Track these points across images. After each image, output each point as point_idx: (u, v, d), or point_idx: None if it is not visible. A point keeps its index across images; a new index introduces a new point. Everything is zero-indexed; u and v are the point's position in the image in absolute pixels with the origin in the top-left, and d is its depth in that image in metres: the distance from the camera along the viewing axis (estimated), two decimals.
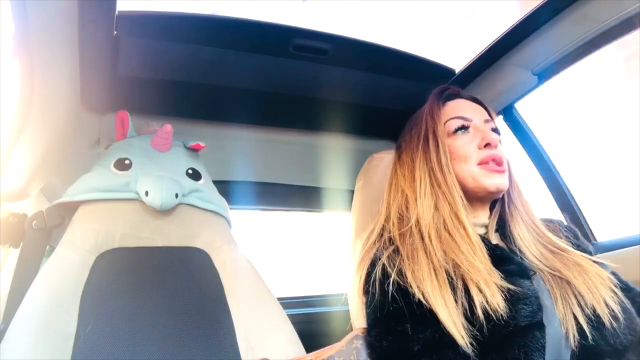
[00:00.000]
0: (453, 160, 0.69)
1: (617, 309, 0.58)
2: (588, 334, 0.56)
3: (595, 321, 0.57)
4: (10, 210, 0.80)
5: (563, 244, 0.69)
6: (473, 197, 0.69)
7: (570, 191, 1.06)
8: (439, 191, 0.67)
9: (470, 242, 0.62)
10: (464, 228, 0.64)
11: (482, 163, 0.67)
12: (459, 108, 0.74)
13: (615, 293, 0.60)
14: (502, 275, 0.58)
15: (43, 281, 0.66)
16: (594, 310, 0.58)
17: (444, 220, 0.65)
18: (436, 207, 0.66)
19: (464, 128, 0.71)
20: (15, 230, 0.77)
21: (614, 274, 0.66)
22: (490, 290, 0.55)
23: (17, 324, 0.60)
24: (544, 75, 0.97)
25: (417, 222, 0.66)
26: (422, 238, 0.64)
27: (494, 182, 0.66)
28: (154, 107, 0.99)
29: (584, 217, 1.05)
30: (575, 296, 0.59)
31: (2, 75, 0.64)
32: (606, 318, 0.57)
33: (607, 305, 0.58)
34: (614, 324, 0.57)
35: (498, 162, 0.67)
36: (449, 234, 0.64)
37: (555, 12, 0.82)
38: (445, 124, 0.72)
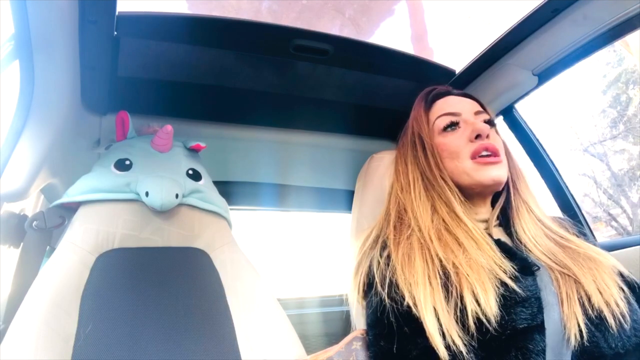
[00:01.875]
0: (445, 158, 0.68)
1: (625, 309, 0.56)
2: (586, 337, 0.54)
3: (599, 323, 0.55)
4: (11, 210, 0.80)
5: (574, 238, 0.67)
6: (472, 193, 0.68)
7: (571, 191, 1.06)
8: (434, 193, 0.66)
9: (474, 237, 0.60)
10: (465, 224, 0.62)
11: (475, 155, 0.65)
12: (448, 104, 0.73)
13: (624, 291, 0.58)
14: (514, 266, 0.57)
15: (43, 281, 0.66)
16: (600, 312, 0.55)
17: (443, 221, 0.63)
18: (434, 209, 0.65)
19: (453, 124, 0.70)
20: (15, 231, 0.77)
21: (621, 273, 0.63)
22: (486, 296, 0.53)
23: (17, 324, 0.60)
24: (544, 75, 0.97)
25: (418, 227, 0.64)
26: (422, 242, 0.62)
27: (490, 174, 0.64)
28: (154, 108, 1.00)
29: (584, 217, 1.05)
30: (581, 297, 0.57)
31: (2, 75, 0.64)
32: (612, 319, 0.55)
33: (617, 305, 0.56)
34: (622, 325, 0.55)
35: (492, 151, 0.65)
36: (451, 233, 0.62)
37: (555, 12, 0.82)
38: (433, 123, 0.72)
